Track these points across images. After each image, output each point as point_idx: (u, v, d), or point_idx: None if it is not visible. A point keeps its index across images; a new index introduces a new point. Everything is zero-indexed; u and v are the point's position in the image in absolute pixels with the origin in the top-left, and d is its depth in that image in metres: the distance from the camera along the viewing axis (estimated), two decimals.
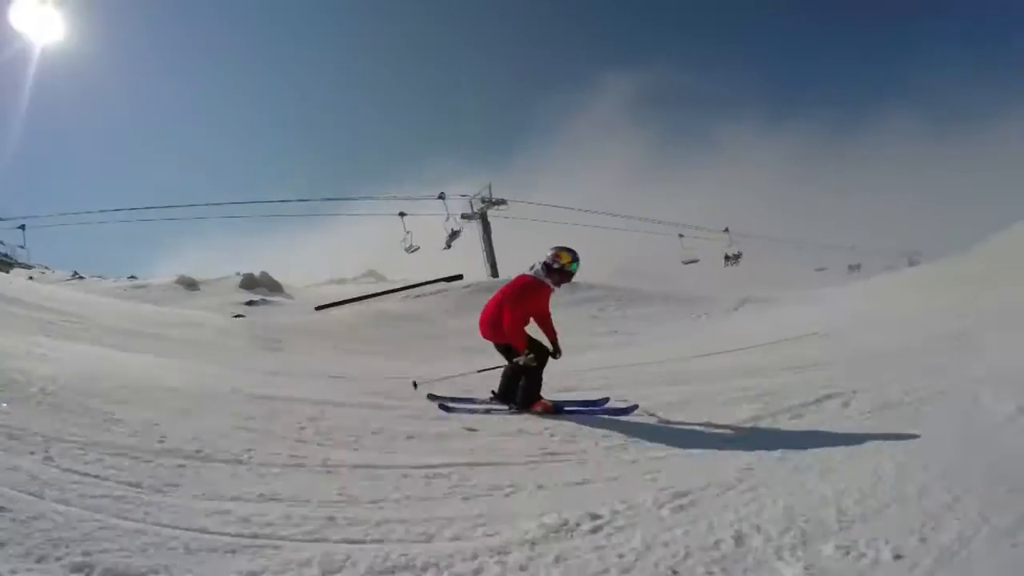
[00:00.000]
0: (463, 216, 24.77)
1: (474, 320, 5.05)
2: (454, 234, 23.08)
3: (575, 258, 4.77)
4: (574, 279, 4.92)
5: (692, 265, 25.85)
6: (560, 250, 4.76)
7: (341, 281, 31.21)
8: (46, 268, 46.70)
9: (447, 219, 22.91)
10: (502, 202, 24.93)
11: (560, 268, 4.74)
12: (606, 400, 5.08)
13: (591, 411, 4.82)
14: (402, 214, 22.62)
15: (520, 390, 4.75)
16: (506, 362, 4.86)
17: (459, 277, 19.81)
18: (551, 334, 4.86)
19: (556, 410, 4.69)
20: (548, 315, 4.86)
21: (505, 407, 4.78)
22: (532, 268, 4.82)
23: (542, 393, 4.79)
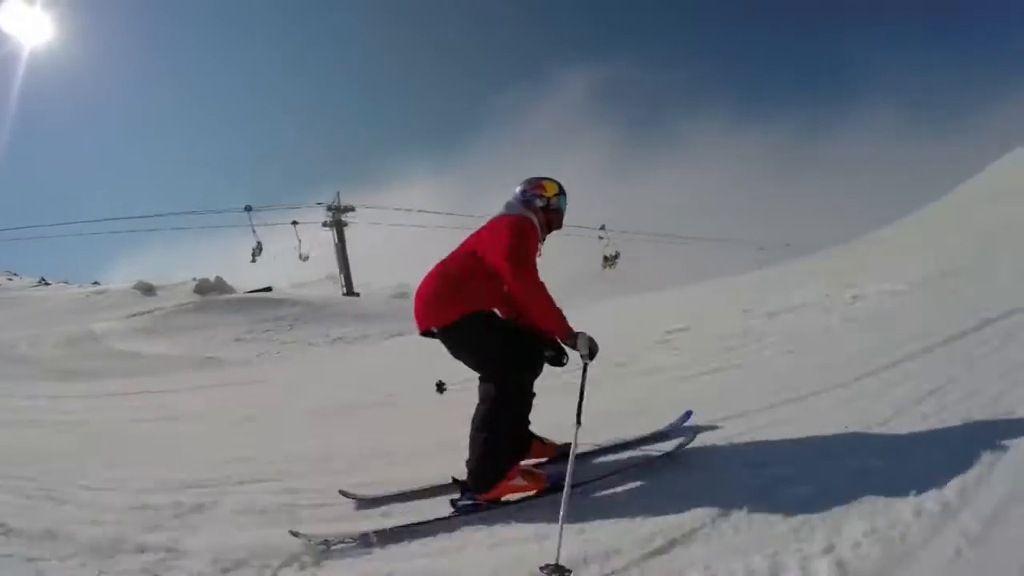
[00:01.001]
0: (324, 224, 24.39)
1: (144, 341, 3.82)
2: (259, 247, 22.10)
3: (562, 190, 2.89)
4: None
5: (609, 269, 25.15)
6: (540, 180, 2.87)
7: (300, 285, 31.81)
8: (14, 274, 46.80)
9: (253, 232, 22.04)
10: (350, 209, 24.58)
11: (547, 205, 2.82)
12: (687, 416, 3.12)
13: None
14: (294, 223, 22.39)
15: (477, 452, 2.54)
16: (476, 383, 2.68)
17: (268, 289, 20.53)
18: (549, 317, 2.49)
19: (548, 485, 2.52)
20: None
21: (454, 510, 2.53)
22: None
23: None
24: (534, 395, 2.68)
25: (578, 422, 2.40)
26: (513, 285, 2.49)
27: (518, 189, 2.88)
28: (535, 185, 2.87)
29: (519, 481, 2.54)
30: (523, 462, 2.68)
